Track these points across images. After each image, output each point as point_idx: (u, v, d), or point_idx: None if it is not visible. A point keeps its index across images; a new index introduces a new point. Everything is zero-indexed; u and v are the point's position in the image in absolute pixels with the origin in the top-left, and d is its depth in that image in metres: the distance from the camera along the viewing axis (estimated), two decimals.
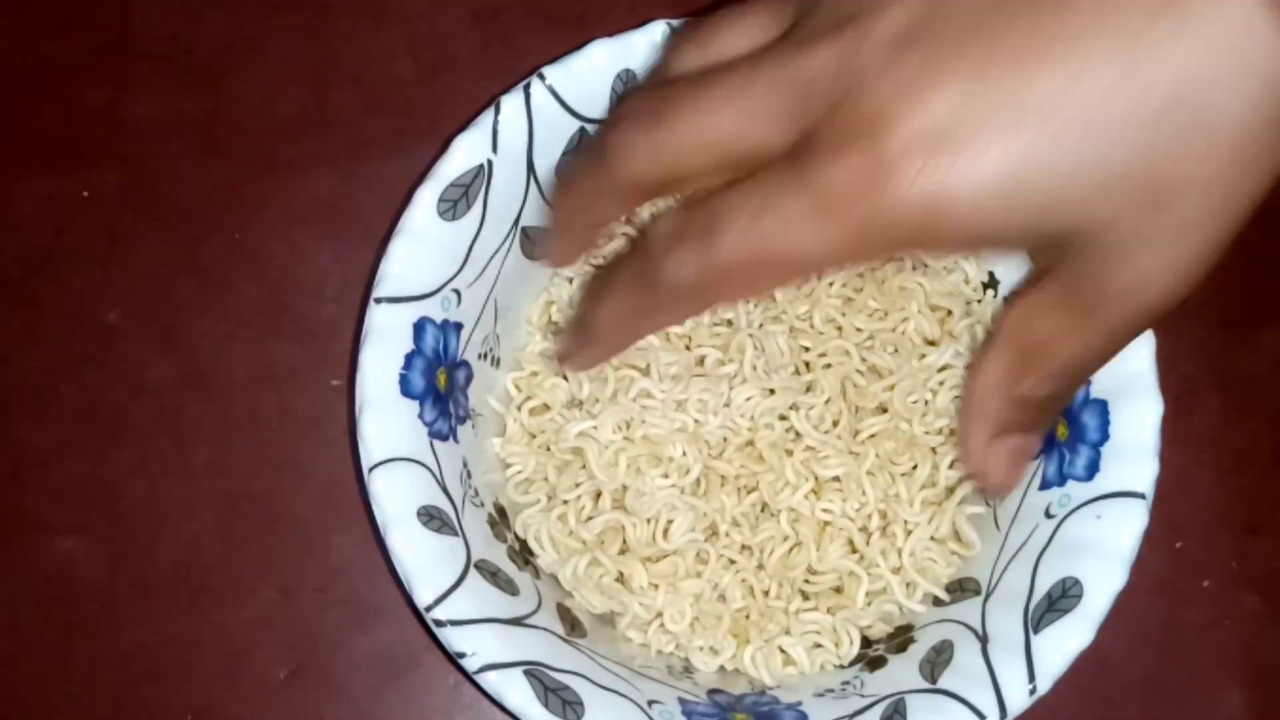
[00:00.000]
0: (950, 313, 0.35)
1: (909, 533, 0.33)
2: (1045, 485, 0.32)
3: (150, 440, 0.38)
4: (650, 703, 0.30)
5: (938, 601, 0.33)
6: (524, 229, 0.33)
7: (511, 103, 0.32)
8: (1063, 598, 0.30)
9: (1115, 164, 0.22)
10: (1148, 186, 0.22)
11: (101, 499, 0.37)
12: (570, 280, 0.36)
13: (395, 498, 0.30)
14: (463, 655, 0.29)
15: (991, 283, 0.35)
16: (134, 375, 0.38)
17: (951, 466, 0.34)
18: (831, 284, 0.35)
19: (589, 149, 0.29)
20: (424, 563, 0.29)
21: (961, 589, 0.33)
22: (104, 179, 0.39)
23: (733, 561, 0.33)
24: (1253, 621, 0.37)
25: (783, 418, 0.34)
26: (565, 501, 0.34)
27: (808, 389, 0.34)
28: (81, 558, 0.37)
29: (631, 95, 0.27)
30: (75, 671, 0.36)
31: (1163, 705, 0.37)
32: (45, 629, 0.36)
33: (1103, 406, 0.32)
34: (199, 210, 0.39)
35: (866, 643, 0.33)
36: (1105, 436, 0.32)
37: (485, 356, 0.34)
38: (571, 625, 0.32)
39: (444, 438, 0.32)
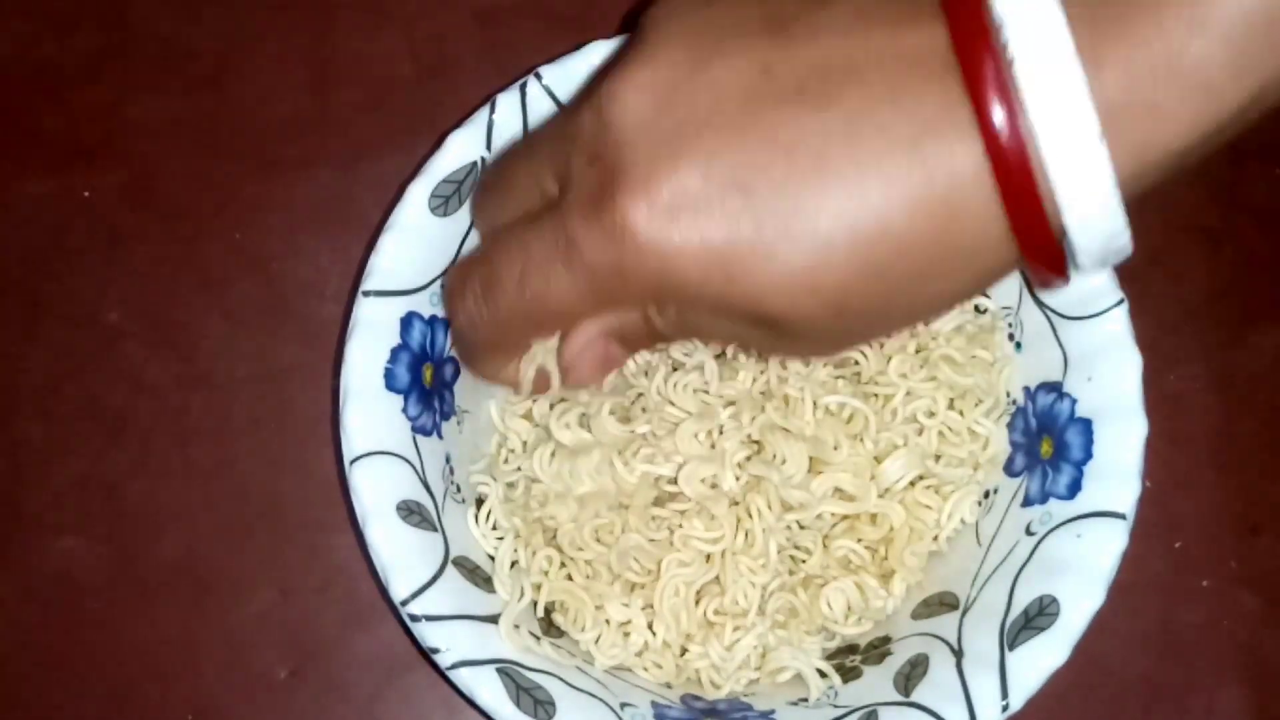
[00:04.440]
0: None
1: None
2: (1028, 502, 0.32)
3: (151, 440, 0.38)
4: (623, 705, 0.30)
5: (915, 614, 0.33)
6: None
7: (507, 101, 0.32)
8: (1039, 615, 0.30)
9: (812, 277, 0.24)
10: (832, 304, 0.24)
11: (102, 499, 0.37)
12: None
13: (375, 491, 0.30)
14: (436, 651, 0.29)
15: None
16: (134, 375, 0.38)
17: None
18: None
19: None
20: (401, 557, 0.29)
21: (940, 603, 0.33)
22: (105, 179, 0.39)
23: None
24: (1252, 620, 0.37)
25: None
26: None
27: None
28: (82, 557, 0.37)
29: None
30: (76, 670, 0.36)
31: (1162, 704, 0.37)
32: (46, 629, 0.36)
33: (1087, 426, 0.32)
34: (199, 210, 0.39)
35: (843, 652, 0.33)
36: (1089, 455, 0.31)
37: None
38: (548, 624, 0.32)
39: (427, 433, 0.32)
